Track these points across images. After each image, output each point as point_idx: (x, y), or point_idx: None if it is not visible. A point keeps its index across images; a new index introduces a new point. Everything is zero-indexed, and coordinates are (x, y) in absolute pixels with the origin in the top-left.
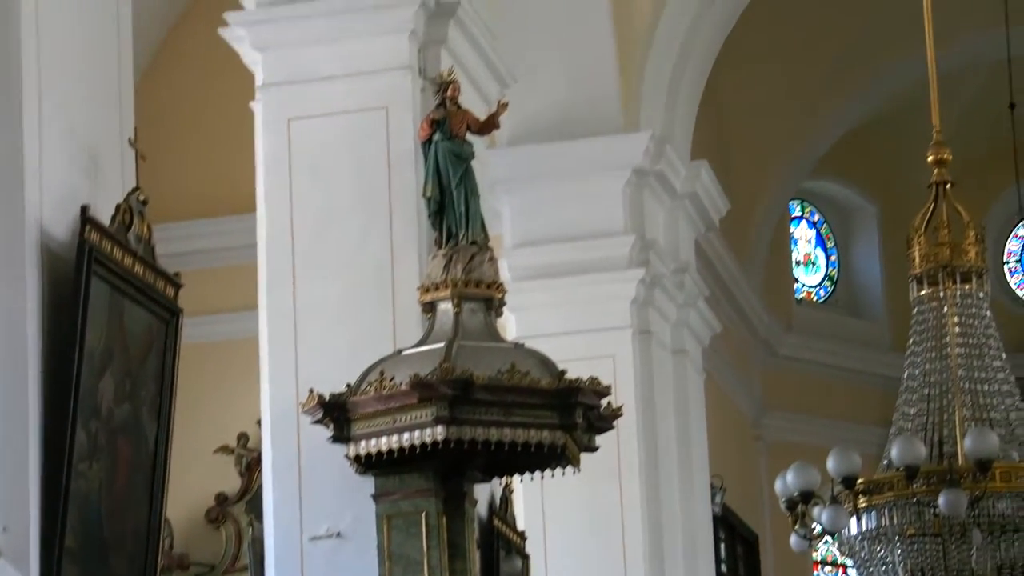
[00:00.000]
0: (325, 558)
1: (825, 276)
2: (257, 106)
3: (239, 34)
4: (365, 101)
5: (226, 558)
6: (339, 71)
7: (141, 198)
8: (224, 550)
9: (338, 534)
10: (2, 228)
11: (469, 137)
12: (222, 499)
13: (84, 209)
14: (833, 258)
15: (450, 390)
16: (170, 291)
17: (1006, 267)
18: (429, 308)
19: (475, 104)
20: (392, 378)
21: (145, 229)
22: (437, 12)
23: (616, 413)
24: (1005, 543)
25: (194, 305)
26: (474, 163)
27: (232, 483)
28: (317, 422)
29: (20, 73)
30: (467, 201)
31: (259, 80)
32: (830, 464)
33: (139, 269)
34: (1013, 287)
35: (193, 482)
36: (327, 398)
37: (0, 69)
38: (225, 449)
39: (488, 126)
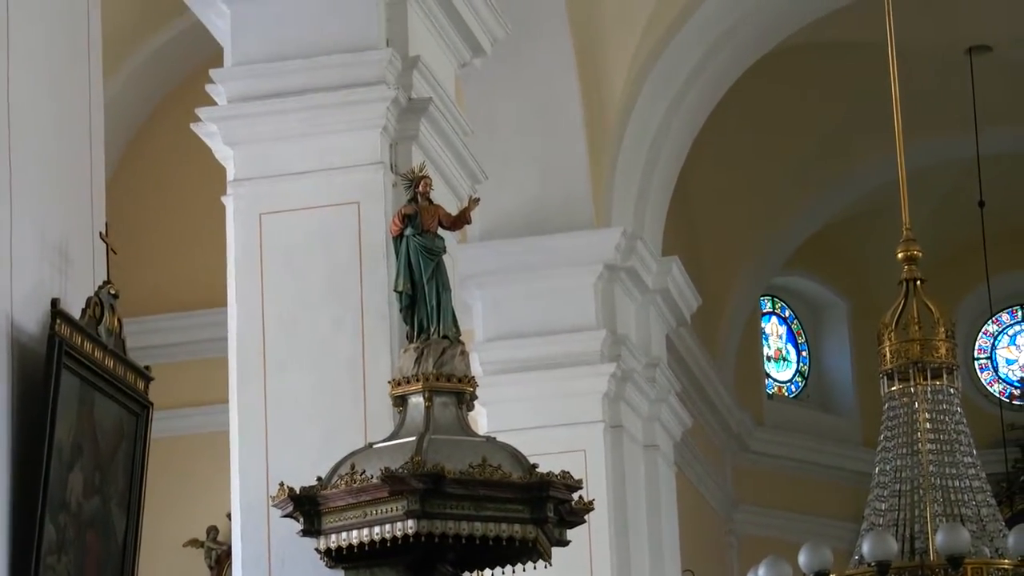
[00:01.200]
0: None
1: (796, 371)
2: (228, 200)
3: (211, 129)
4: (337, 196)
5: None
6: (311, 166)
7: (112, 291)
8: None
9: None
10: None
11: (441, 232)
12: None
13: (54, 302)
14: (804, 353)
15: (421, 484)
16: (140, 384)
17: (976, 363)
18: (400, 402)
19: (446, 199)
20: (363, 471)
21: (116, 322)
22: (408, 108)
23: (588, 507)
24: None
25: (164, 399)
26: (445, 258)
27: None
28: (287, 515)
29: None
30: (438, 295)
31: (231, 175)
32: (802, 559)
33: (109, 362)
34: (983, 383)
35: None
36: (297, 491)
37: None
38: (194, 543)
39: (459, 221)
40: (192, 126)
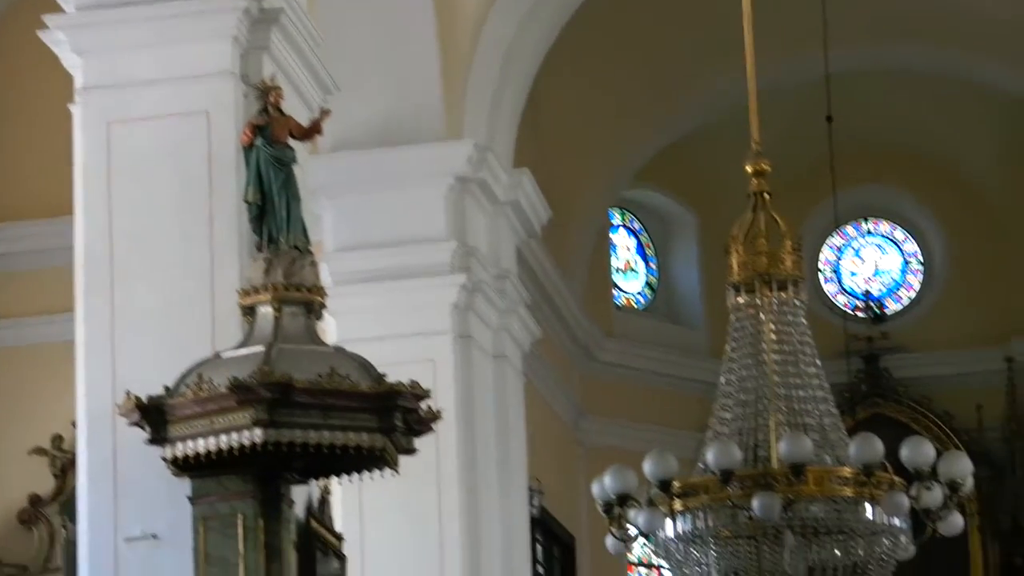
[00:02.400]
0: (140, 560)
1: (645, 283)
2: (76, 109)
3: (59, 37)
4: (187, 106)
5: (39, 560)
6: (160, 75)
7: None
8: (37, 552)
9: (154, 536)
10: None
11: (291, 143)
12: (35, 500)
13: None
14: (653, 266)
15: (269, 393)
16: None
17: (821, 276)
18: (249, 312)
19: (298, 110)
20: (211, 380)
21: None
22: (260, 19)
23: (435, 416)
24: (817, 546)
25: (9, 308)
26: (296, 169)
27: (46, 485)
28: (134, 424)
29: None
30: (288, 206)
31: (79, 83)
32: (647, 467)
33: None
34: (828, 296)
35: (6, 483)
36: (144, 400)
37: None
38: (39, 451)
39: (311, 132)
40: (39, 33)
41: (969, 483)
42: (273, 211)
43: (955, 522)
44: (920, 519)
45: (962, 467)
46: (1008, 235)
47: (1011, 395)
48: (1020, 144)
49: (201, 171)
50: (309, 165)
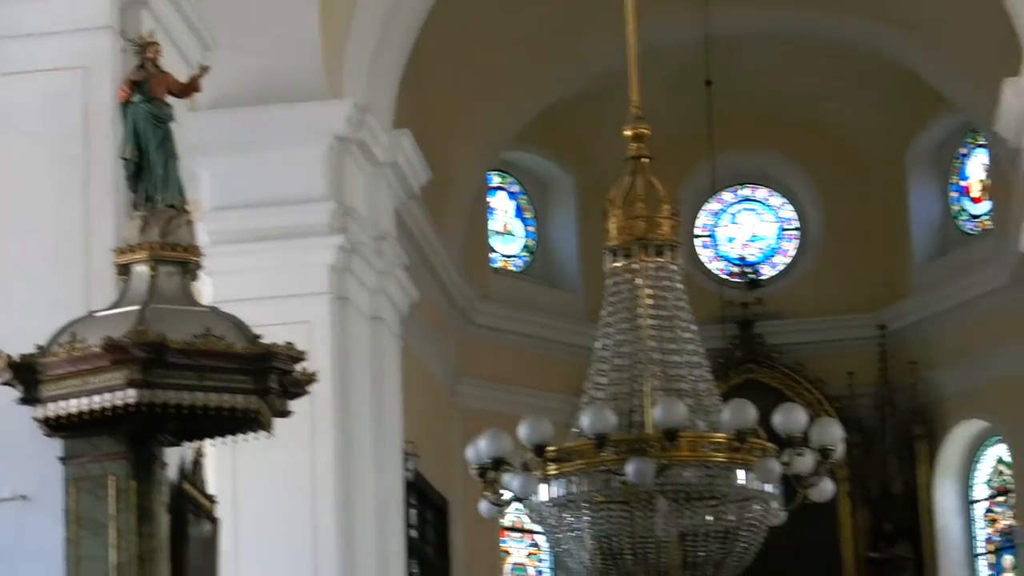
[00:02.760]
0: (9, 520)
1: (523, 246)
2: None
3: None
4: (64, 60)
5: None
6: (37, 29)
7: None
8: None
9: (23, 497)
10: None
11: (169, 100)
12: None
13: None
14: (531, 229)
15: (143, 353)
16: None
17: (698, 241)
18: (124, 271)
19: (176, 67)
20: (84, 340)
21: None
22: None
23: (311, 379)
24: (690, 511)
25: None
26: (174, 126)
27: None
28: (5, 383)
29: None
30: (166, 164)
31: None
32: (522, 432)
33: None
34: (704, 261)
35: None
36: (16, 359)
37: None
38: None
39: (189, 89)
40: None
41: (840, 449)
42: (150, 169)
43: (826, 488)
44: (791, 485)
45: (833, 434)
46: (882, 203)
47: (882, 362)
48: (896, 110)
49: (77, 127)
50: (187, 122)
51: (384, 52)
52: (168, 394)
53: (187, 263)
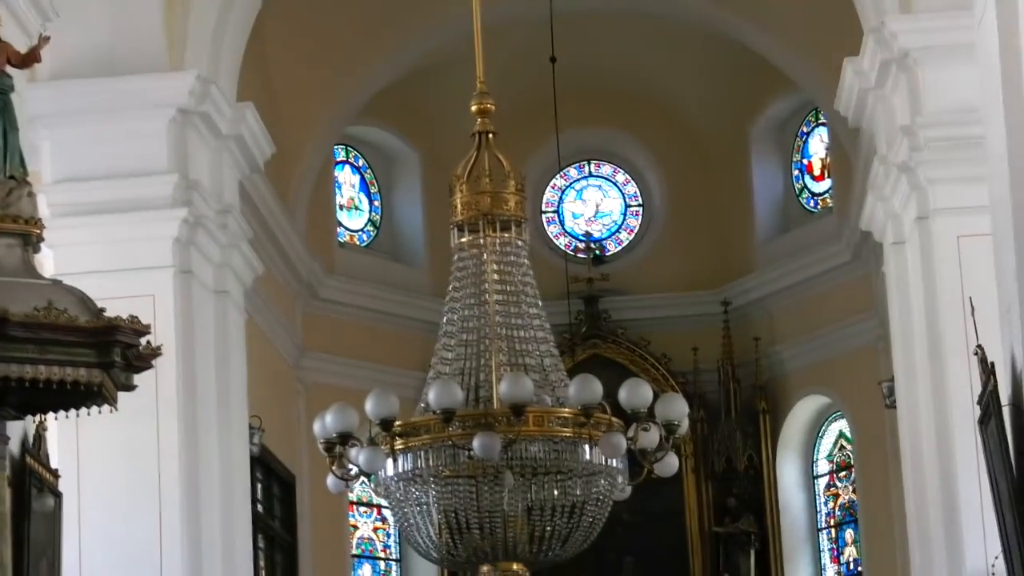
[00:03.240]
0: None
1: (368, 221)
2: None
3: None
4: None
5: None
6: None
7: None
8: None
9: None
10: None
11: (9, 70)
12: None
13: None
14: (377, 203)
15: None
16: None
17: (544, 217)
18: None
19: (16, 37)
20: None
21: None
22: None
23: (155, 352)
24: (536, 485)
25: None
26: (13, 96)
27: None
28: None
29: None
30: (5, 135)
31: None
32: (368, 406)
33: None
34: (550, 236)
35: None
36: None
37: None
38: None
39: (29, 60)
40: None
41: (685, 425)
42: None
43: (671, 463)
44: (637, 460)
45: (678, 409)
46: (726, 180)
47: (727, 338)
48: (739, 88)
49: None
50: (27, 93)
51: (227, 25)
52: (10, 367)
53: (28, 235)
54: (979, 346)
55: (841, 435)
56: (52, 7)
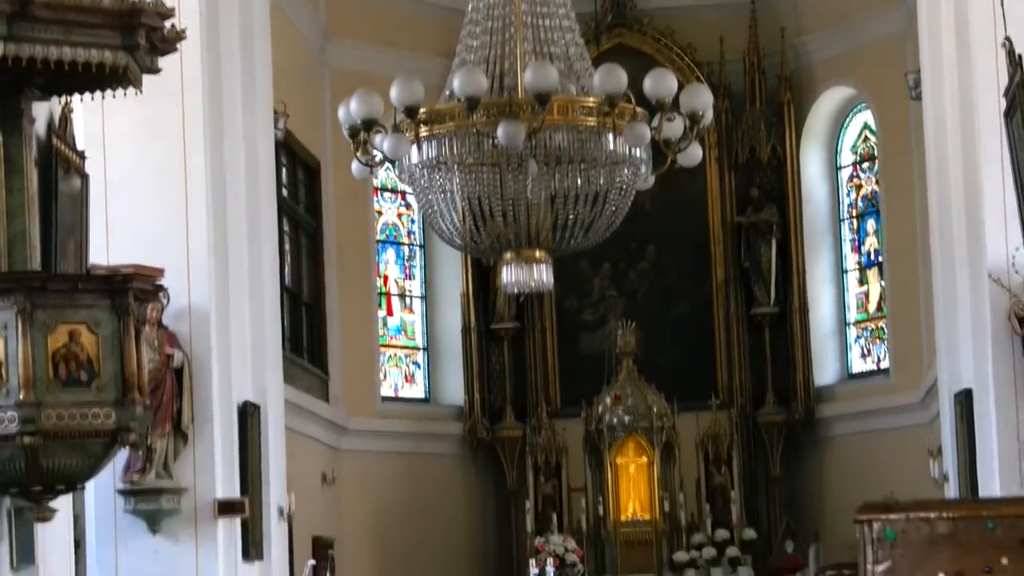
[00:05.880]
0: None
1: None
2: None
3: None
4: None
5: None
6: None
7: None
8: None
9: None
10: None
11: None
12: None
13: None
14: None
15: (8, 6)
16: None
17: None
18: None
19: None
20: None
21: None
22: None
23: (179, 36)
24: (560, 174)
25: None
26: None
27: None
28: None
29: None
30: None
31: None
32: (393, 93)
33: None
34: None
35: None
36: None
37: None
38: None
39: None
40: None
41: (709, 115)
42: None
43: (694, 153)
44: (660, 150)
45: (703, 99)
46: None
47: (753, 28)
48: None
49: None
50: None
51: None
52: (34, 48)
53: None
54: (1007, 38)
55: (865, 126)
56: None
